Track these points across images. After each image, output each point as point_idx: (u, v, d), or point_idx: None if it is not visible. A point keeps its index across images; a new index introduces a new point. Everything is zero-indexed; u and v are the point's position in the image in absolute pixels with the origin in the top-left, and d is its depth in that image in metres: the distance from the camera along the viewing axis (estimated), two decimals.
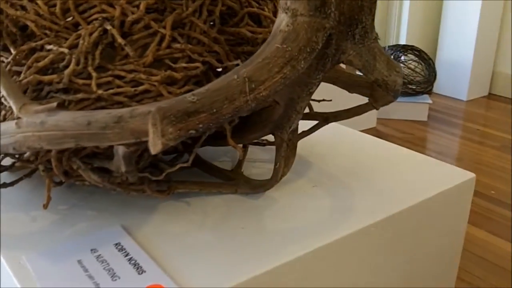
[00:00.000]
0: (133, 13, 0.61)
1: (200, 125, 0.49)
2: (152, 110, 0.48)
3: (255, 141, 0.81)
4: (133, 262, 0.61)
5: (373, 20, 0.60)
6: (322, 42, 0.54)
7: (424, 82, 2.98)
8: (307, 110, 0.83)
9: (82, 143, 0.51)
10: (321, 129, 0.89)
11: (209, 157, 0.87)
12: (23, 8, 0.62)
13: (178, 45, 0.62)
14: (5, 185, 0.70)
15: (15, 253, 0.62)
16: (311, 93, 0.63)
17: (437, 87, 3.58)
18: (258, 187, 0.75)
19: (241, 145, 0.67)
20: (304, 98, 0.63)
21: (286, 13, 0.53)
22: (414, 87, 2.95)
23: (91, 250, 0.63)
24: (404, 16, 3.62)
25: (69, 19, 0.62)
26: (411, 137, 2.81)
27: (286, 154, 0.70)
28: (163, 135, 0.48)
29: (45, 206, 0.67)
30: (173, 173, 0.79)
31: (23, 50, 0.60)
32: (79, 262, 0.61)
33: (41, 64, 0.59)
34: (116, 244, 0.64)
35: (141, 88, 0.59)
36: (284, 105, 0.65)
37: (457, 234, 0.87)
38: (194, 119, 0.48)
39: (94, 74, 0.59)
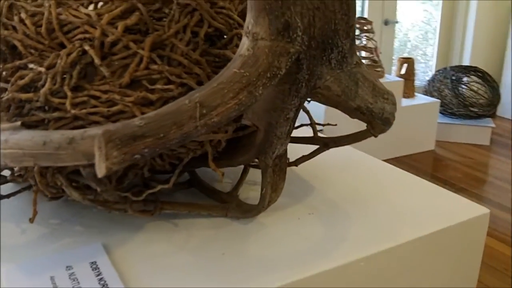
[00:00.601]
0: (112, 33, 0.60)
1: (146, 150, 0.47)
2: (98, 133, 0.47)
3: (253, 163, 0.79)
4: (102, 282, 0.60)
5: (352, 44, 0.57)
6: (286, 67, 0.52)
7: (487, 105, 2.84)
8: (310, 133, 0.81)
9: (39, 162, 0.51)
10: (332, 153, 0.86)
11: (211, 177, 0.85)
12: (14, 28, 0.63)
13: (155, 67, 0.61)
14: (0, 196, 0.72)
15: None
16: (289, 119, 0.60)
17: (501, 110, 3.40)
18: (247, 211, 0.73)
19: (222, 169, 0.65)
20: (282, 123, 0.61)
21: (247, 37, 0.51)
22: (476, 110, 2.82)
23: (67, 267, 0.63)
24: (468, 37, 3.48)
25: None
26: (471, 161, 2.68)
27: (272, 180, 0.67)
28: (107, 159, 0.47)
29: (31, 220, 0.68)
30: (168, 192, 0.79)
31: (8, 68, 0.62)
32: (52, 278, 0.61)
33: (21, 82, 0.60)
34: (92, 262, 0.64)
35: (114, 108, 0.59)
36: (263, 130, 0.63)
37: (468, 275, 0.81)
38: (140, 143, 0.47)
39: (69, 94, 0.59)
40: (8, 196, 0.72)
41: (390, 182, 0.88)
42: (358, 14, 3.94)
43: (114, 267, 0.63)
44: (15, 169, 0.67)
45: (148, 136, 0.47)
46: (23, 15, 0.63)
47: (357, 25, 2.95)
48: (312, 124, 0.84)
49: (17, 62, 0.61)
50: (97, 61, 0.59)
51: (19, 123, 0.53)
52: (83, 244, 0.68)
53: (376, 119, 0.62)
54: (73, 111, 0.58)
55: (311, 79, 0.56)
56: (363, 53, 3.01)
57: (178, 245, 0.68)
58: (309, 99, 0.78)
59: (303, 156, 0.80)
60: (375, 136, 0.71)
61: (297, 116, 0.62)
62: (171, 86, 0.60)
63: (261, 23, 0.51)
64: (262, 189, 0.69)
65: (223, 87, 0.49)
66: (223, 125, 0.66)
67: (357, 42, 2.93)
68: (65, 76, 0.60)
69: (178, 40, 0.63)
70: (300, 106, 0.60)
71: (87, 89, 0.60)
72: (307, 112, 0.85)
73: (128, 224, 0.72)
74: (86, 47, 0.60)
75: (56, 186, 0.66)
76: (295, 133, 0.84)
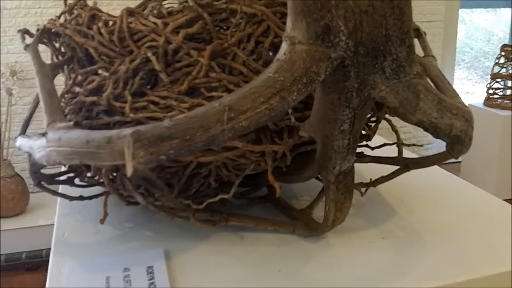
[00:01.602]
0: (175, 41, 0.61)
1: (171, 151, 0.46)
2: (128, 133, 0.47)
3: None
4: (152, 286, 0.60)
5: (410, 52, 0.52)
6: (326, 73, 0.48)
7: None
8: (394, 153, 0.75)
9: (84, 161, 0.52)
10: (425, 177, 0.80)
11: (291, 194, 0.82)
12: (92, 36, 0.66)
13: (213, 75, 0.60)
14: (81, 198, 0.75)
15: (63, 260, 0.66)
16: (345, 131, 0.56)
17: None
18: (313, 230, 0.69)
19: (278, 184, 0.62)
20: (338, 136, 0.56)
21: (285, 41, 0.48)
22: None
23: (124, 269, 0.64)
24: None
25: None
26: None
27: (336, 197, 0.63)
28: (134, 158, 0.46)
29: (102, 221, 0.70)
30: (244, 205, 0.77)
31: (82, 73, 0.65)
32: (107, 278, 0.62)
33: (89, 86, 0.62)
34: (149, 267, 0.64)
35: (170, 114, 0.59)
36: (321, 143, 0.59)
37: None
38: (166, 144, 0.46)
39: (129, 98, 0.60)
40: (89, 197, 0.75)
41: (484, 213, 0.78)
42: (504, 41, 3.66)
43: (169, 273, 0.62)
44: (90, 172, 0.70)
45: (174, 137, 0.46)
46: (100, 24, 0.66)
47: (503, 53, 2.73)
48: (398, 143, 0.78)
49: (89, 68, 0.64)
50: (157, 67, 0.60)
51: (72, 123, 0.55)
52: (148, 248, 0.69)
53: (443, 136, 0.56)
54: (131, 115, 0.59)
55: (362, 88, 0.52)
56: (510, 83, 2.78)
57: (237, 258, 0.66)
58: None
59: (382, 176, 0.74)
60: (455, 157, 0.64)
61: (357, 129, 0.57)
62: (225, 94, 0.59)
63: (299, 26, 0.47)
64: (325, 207, 0.64)
65: (254, 92, 0.47)
66: (284, 136, 0.63)
67: (503, 70, 2.72)
68: (127, 81, 0.61)
69: (241, 49, 0.62)
70: (356, 118, 0.55)
71: (148, 95, 0.61)
72: (395, 131, 0.79)
73: (195, 232, 0.71)
74: (149, 54, 0.61)
75: (125, 189, 0.67)
76: (379, 152, 0.78)
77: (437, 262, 0.64)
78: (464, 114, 0.57)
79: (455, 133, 0.56)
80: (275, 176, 0.70)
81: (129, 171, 0.47)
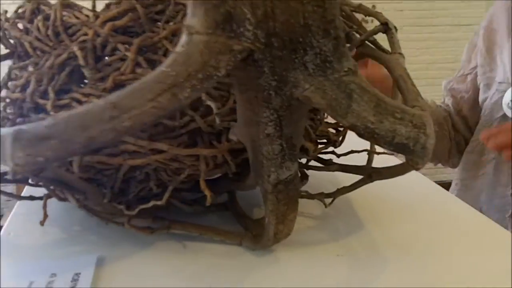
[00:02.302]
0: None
1: (49, 153, 0.41)
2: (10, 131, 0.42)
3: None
4: None
5: (337, 45, 0.44)
6: (228, 68, 0.41)
7: None
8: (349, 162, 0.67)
9: None
10: (408, 186, 0.72)
11: (254, 203, 0.76)
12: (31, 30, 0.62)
13: (139, 71, 0.54)
14: (24, 198, 0.71)
15: None
16: (270, 135, 0.49)
17: None
18: (257, 243, 0.62)
19: (210, 192, 0.55)
20: (264, 140, 0.49)
21: (184, 31, 0.42)
22: None
23: (51, 274, 0.59)
24: None
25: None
26: None
27: (276, 209, 0.56)
28: (13, 159, 0.41)
29: (42, 223, 0.65)
30: (199, 213, 0.71)
31: (15, 69, 0.60)
32: (30, 283, 0.58)
33: (18, 82, 0.58)
34: (76, 274, 0.59)
35: None
36: (250, 148, 0.52)
37: None
38: (44, 145, 0.41)
39: (51, 95, 0.55)
40: (32, 198, 0.71)
41: (463, 229, 0.69)
42: None
43: (97, 281, 0.57)
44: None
45: (53, 138, 0.41)
46: (39, 17, 0.61)
47: None
48: (370, 151, 0.70)
49: (21, 63, 0.60)
50: (81, 62, 0.55)
51: None
52: (88, 253, 0.63)
53: (384, 144, 0.48)
54: (52, 113, 0.54)
55: (282, 86, 0.45)
56: None
57: (175, 269, 0.60)
58: None
59: (344, 187, 0.66)
60: (415, 169, 0.56)
61: (290, 134, 0.50)
62: None
63: (197, 13, 0.41)
64: (265, 219, 0.58)
65: (143, 87, 0.41)
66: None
67: None
68: (53, 77, 0.56)
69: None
70: (283, 121, 0.48)
71: (74, 92, 0.56)
72: None
73: (139, 239, 0.65)
74: (75, 48, 0.56)
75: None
76: (345, 160, 0.71)
77: (393, 280, 0.56)
78: (413, 118, 0.49)
79: (399, 141, 0.48)
80: (223, 183, 0.64)
81: (9, 173, 0.42)
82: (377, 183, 0.64)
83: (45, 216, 0.65)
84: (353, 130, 0.47)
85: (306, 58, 0.44)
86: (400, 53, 0.61)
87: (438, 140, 0.59)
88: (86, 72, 0.55)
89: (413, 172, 0.73)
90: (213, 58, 0.41)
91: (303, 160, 0.72)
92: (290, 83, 0.45)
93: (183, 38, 0.42)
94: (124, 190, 0.62)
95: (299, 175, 0.58)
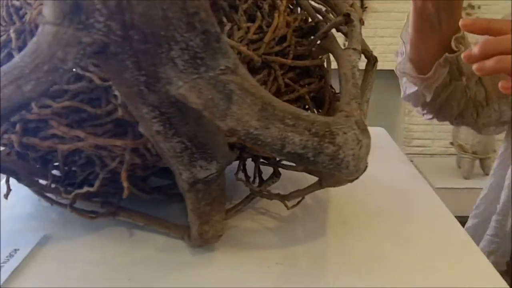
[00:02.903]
0: None
1: None
2: None
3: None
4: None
5: (208, 40, 0.40)
6: (77, 61, 0.38)
7: None
8: None
9: None
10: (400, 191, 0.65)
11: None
12: None
13: None
14: None
15: None
16: (160, 133, 0.45)
17: None
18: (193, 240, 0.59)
19: (128, 184, 0.53)
20: (157, 137, 0.46)
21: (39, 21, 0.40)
22: None
23: None
24: None
25: None
26: None
27: (197, 208, 0.53)
28: None
29: (5, 197, 0.67)
30: (157, 200, 0.69)
31: None
32: None
33: None
34: (15, 249, 0.60)
35: None
36: (153, 143, 0.49)
37: None
38: None
39: None
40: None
41: (435, 249, 0.61)
42: None
43: (30, 260, 0.58)
44: None
45: None
46: None
47: None
48: None
49: None
50: (13, 45, 0.55)
51: None
52: (37, 231, 0.64)
53: (272, 152, 0.42)
54: None
55: (154, 82, 0.41)
56: None
57: (110, 257, 0.59)
58: None
59: (298, 190, 0.61)
60: (348, 181, 0.50)
61: (194, 133, 0.47)
62: None
63: (47, 3, 0.39)
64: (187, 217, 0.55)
65: None
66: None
67: None
68: None
69: None
70: (171, 119, 0.44)
71: None
72: None
73: (91, 223, 0.65)
74: (11, 31, 0.56)
75: None
76: None
77: None
78: (313, 126, 0.43)
79: (291, 150, 0.42)
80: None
81: None
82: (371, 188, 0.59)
83: (8, 190, 0.66)
84: (233, 136, 0.42)
85: (173, 54, 0.40)
86: (354, 49, 0.54)
87: None
88: (15, 54, 0.55)
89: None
90: (61, 50, 0.38)
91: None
92: (163, 79, 0.41)
93: (39, 28, 0.40)
94: (70, 173, 0.62)
95: (225, 175, 0.54)
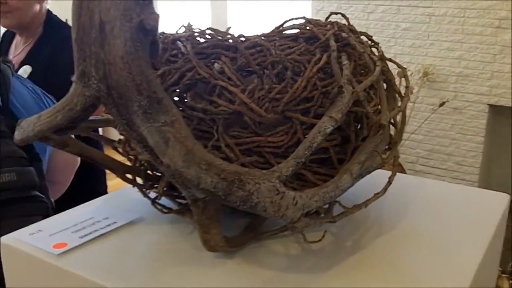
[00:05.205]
0: None
1: None
2: None
3: None
4: None
5: (152, 102, 0.56)
6: (82, 106, 0.60)
7: None
8: None
9: None
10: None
11: None
12: None
13: None
14: None
15: None
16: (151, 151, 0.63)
17: None
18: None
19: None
20: (156, 160, 0.64)
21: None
22: None
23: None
24: None
25: None
26: None
27: (199, 220, 0.69)
28: None
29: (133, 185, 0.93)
30: None
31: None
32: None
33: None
34: (114, 222, 0.85)
35: None
36: None
37: None
38: None
39: None
40: None
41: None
42: None
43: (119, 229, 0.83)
44: None
45: None
46: None
47: None
48: None
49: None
50: None
51: None
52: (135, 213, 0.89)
53: (192, 186, 0.56)
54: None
55: (131, 125, 0.59)
56: None
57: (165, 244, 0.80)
58: None
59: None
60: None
61: (160, 160, 0.63)
62: None
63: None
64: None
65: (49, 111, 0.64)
66: None
67: None
68: None
69: None
70: (151, 150, 0.61)
71: None
72: None
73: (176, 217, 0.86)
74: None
75: None
76: None
77: None
78: (223, 173, 0.55)
79: (205, 187, 0.56)
80: None
81: None
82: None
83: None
84: (167, 170, 0.58)
85: (135, 108, 0.58)
86: (331, 116, 0.62)
87: None
88: None
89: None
90: (75, 98, 0.61)
91: None
92: (135, 124, 0.60)
93: None
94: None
95: None
